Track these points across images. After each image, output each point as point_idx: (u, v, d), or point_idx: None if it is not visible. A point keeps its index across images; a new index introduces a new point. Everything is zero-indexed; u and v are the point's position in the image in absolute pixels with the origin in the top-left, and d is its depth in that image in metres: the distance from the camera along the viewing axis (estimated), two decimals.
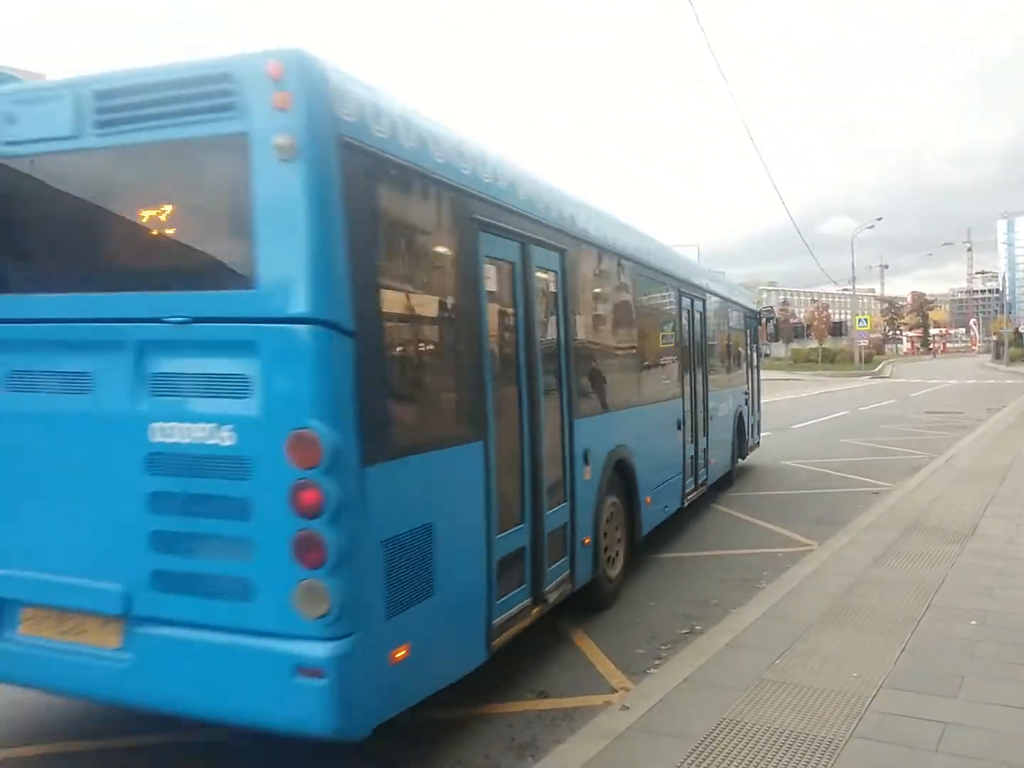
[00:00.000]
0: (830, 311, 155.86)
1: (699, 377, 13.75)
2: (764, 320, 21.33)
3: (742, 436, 17.64)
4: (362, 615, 5.14)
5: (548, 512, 7.60)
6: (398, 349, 5.71)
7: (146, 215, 5.38)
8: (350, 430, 5.07)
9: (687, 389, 12.83)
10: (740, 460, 17.75)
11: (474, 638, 6.43)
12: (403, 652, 5.47)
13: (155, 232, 5.34)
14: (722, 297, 16.34)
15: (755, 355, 20.01)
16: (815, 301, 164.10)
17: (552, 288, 7.99)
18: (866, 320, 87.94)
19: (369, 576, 5.21)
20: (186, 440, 5.19)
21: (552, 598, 7.71)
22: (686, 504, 12.65)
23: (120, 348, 5.35)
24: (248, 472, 5.07)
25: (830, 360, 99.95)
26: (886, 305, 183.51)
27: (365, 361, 5.19)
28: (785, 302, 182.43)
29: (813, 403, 40.00)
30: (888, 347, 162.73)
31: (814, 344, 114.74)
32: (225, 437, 5.12)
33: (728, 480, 16.56)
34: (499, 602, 6.78)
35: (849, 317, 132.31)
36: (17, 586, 5.67)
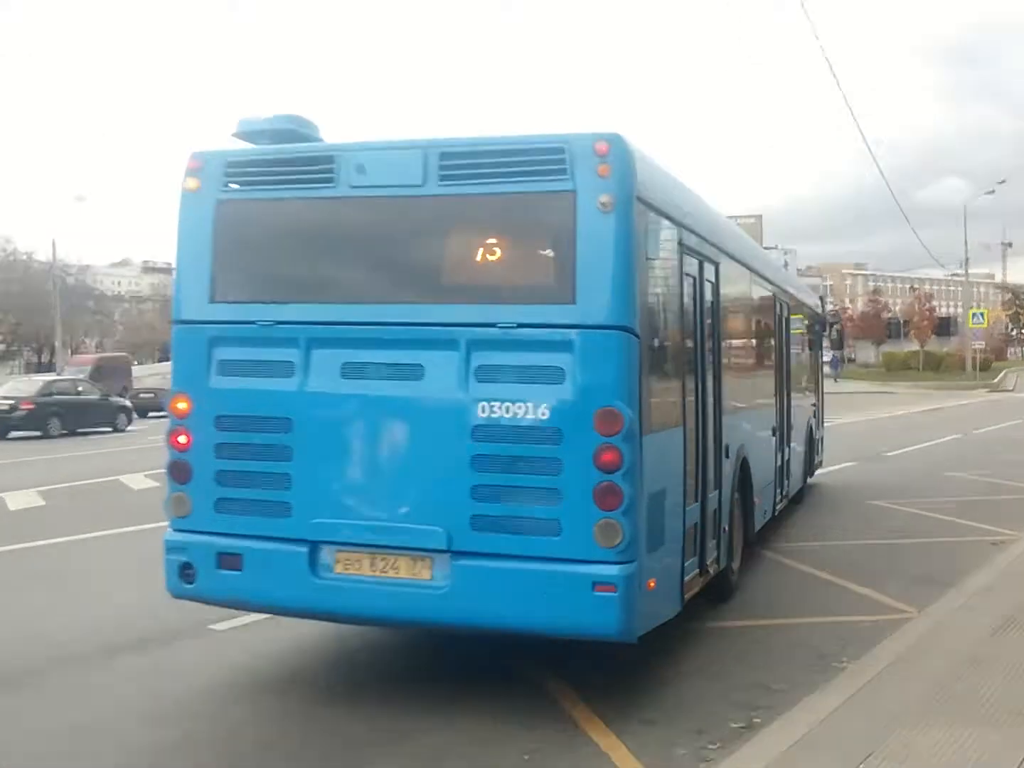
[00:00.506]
0: (935, 303, 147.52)
1: (784, 384, 17.50)
2: (829, 325, 24.66)
3: (812, 451, 21.00)
4: (637, 548, 8.60)
5: (709, 495, 11.26)
6: (656, 350, 9.40)
7: (479, 245, 8.98)
8: (636, 408, 8.60)
9: (778, 396, 16.93)
10: (809, 478, 21.03)
11: (676, 589, 9.98)
12: (652, 583, 8.99)
13: (488, 259, 8.95)
14: (797, 299, 19.64)
15: (819, 363, 23.74)
16: (915, 289, 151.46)
17: (714, 298, 11.92)
18: (982, 315, 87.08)
19: (640, 520, 8.66)
20: (508, 415, 8.62)
21: (711, 571, 11.41)
22: (776, 513, 16.35)
23: (452, 346, 8.79)
24: (560, 439, 8.51)
25: (934, 367, 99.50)
26: (1009, 296, 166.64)
27: (643, 358, 8.78)
28: (876, 290, 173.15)
29: (912, 424, 40.14)
30: (1011, 351, 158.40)
31: (913, 346, 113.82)
32: (542, 413, 8.56)
33: (799, 498, 19.54)
34: (686, 563, 10.31)
35: (960, 311, 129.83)
36: (335, 531, 8.98)
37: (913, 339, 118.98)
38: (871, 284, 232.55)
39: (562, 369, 8.59)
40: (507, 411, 8.69)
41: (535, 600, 8.53)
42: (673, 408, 10.03)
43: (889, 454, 28.31)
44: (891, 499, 20.27)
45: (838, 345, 23.67)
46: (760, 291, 15.78)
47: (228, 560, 9.27)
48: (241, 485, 9.29)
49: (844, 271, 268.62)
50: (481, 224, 9.11)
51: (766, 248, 32.40)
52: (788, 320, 18.43)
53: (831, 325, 24.38)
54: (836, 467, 25.12)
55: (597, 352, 8.56)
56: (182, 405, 9.52)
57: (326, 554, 9.07)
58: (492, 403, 8.70)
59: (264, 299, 9.43)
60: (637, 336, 8.66)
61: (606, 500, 8.49)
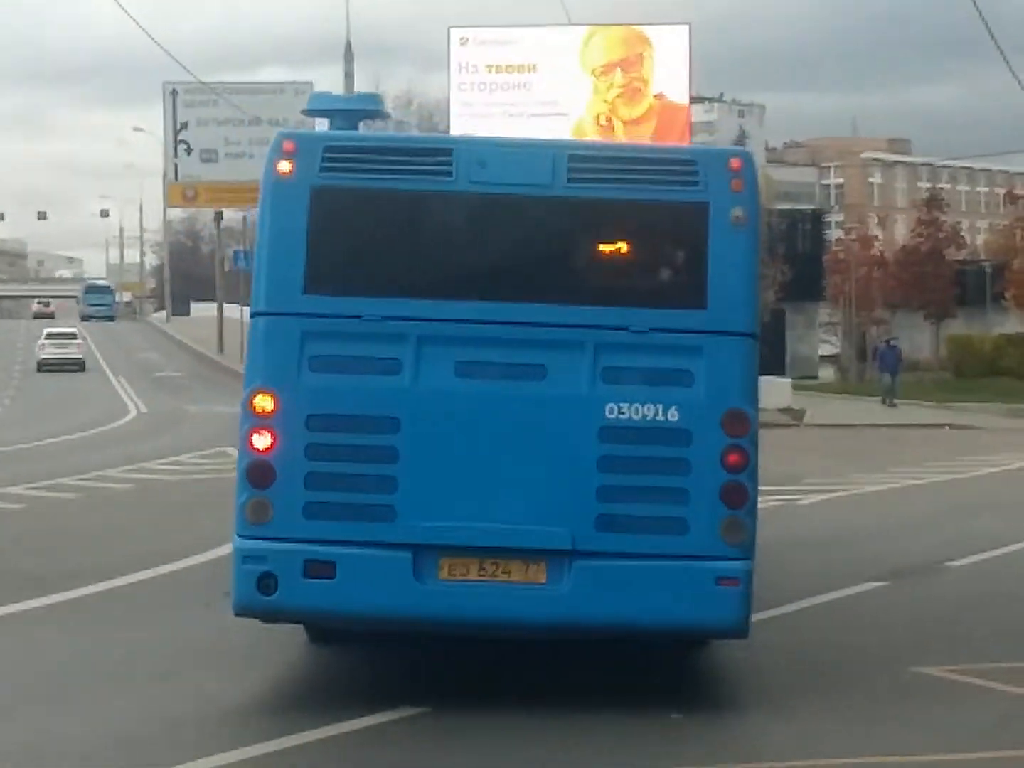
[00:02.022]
0: None
1: None
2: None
3: None
4: (753, 544, 9.15)
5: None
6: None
7: (606, 248, 9.39)
8: (757, 410, 9.19)
9: None
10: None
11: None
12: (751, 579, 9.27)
13: (616, 263, 9.38)
14: None
15: None
16: (1016, 199, 66.83)
17: None
18: None
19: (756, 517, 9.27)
20: (637, 416, 8.90)
21: None
22: None
23: (579, 347, 9.00)
24: (690, 440, 8.90)
25: None
26: None
27: (758, 361, 9.31)
28: (932, 199, 71.81)
29: (1011, 498, 23.06)
30: None
31: (1010, 323, 64.16)
32: (671, 415, 8.90)
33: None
34: None
35: None
36: (444, 535, 8.88)
37: (1010, 306, 62.35)
38: (924, 184, 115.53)
39: (691, 372, 8.97)
40: (636, 413, 8.93)
41: (657, 598, 8.82)
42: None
43: (956, 564, 16.41)
44: (952, 664, 10.84)
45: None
46: None
47: (318, 568, 8.84)
48: (336, 488, 8.93)
49: (866, 153, 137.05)
50: (608, 228, 9.37)
51: (705, 99, 29.61)
52: None
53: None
54: (845, 591, 14.13)
55: (727, 356, 9.01)
56: (265, 403, 8.96)
57: (432, 559, 8.96)
58: (620, 405, 8.94)
59: (369, 293, 9.13)
60: (758, 340, 9.25)
61: (733, 499, 8.91)
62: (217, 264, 79.65)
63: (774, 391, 39.90)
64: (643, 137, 45.09)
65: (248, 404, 9.00)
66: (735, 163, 9.10)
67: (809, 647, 11.70)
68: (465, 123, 44.28)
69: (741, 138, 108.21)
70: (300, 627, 10.46)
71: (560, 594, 8.92)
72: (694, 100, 56.90)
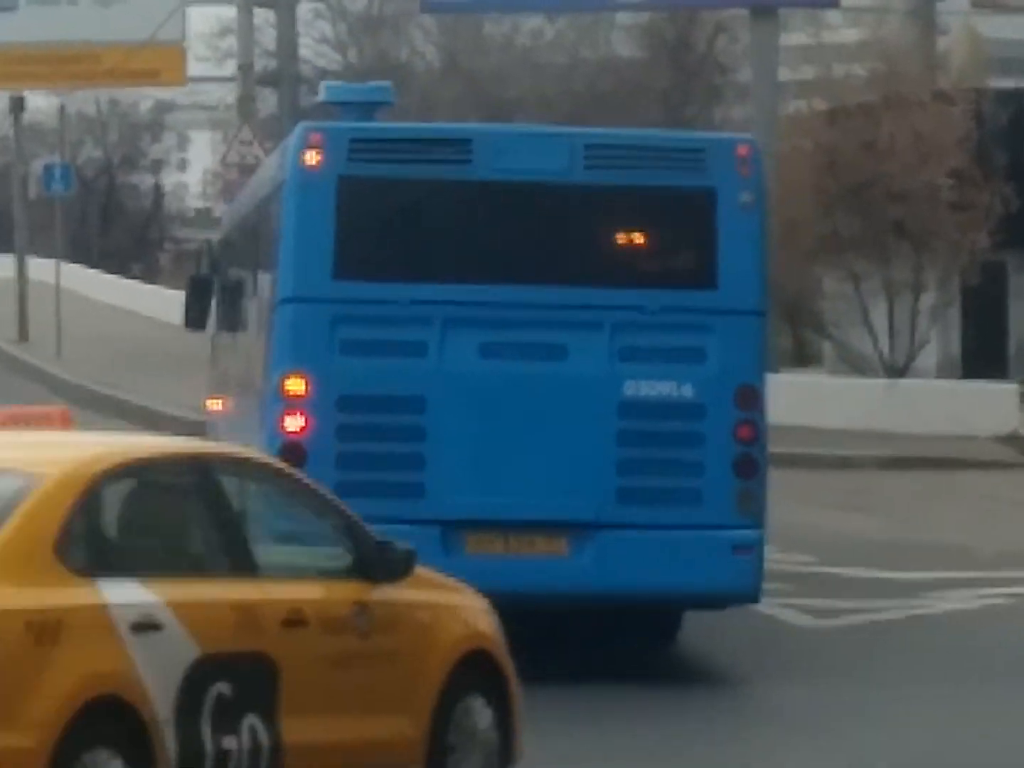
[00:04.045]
0: None
1: None
2: None
3: None
4: (763, 513, 10.04)
5: None
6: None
7: (623, 232, 10.20)
8: (765, 384, 10.10)
9: None
10: None
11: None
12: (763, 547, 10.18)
13: (631, 246, 10.20)
14: None
15: None
16: None
17: None
18: None
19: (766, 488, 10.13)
20: (654, 393, 9.74)
21: None
22: None
23: (597, 327, 9.78)
24: (703, 414, 9.77)
25: None
26: None
27: (767, 337, 10.10)
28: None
29: None
30: None
31: None
32: (686, 390, 9.72)
33: None
34: None
35: None
36: (472, 510, 9.65)
37: None
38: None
39: (704, 349, 9.80)
40: (652, 389, 9.74)
41: (676, 567, 9.61)
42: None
43: None
44: None
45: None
46: None
47: None
48: (367, 467, 9.55)
49: None
50: (625, 213, 10.23)
51: None
52: None
53: None
54: None
55: (738, 334, 9.85)
56: (297, 386, 9.54)
57: (459, 533, 9.68)
58: (638, 381, 9.75)
59: (396, 278, 9.78)
60: (766, 317, 10.32)
61: (745, 470, 9.77)
62: (16, 188, 45.85)
63: (987, 405, 25.44)
64: None
65: (279, 387, 9.63)
66: (742, 150, 10.04)
67: None
68: None
69: None
70: None
71: (582, 565, 9.76)
72: None
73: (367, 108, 10.79)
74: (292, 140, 10.21)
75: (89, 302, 48.58)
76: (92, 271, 55.94)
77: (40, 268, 44.36)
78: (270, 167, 11.62)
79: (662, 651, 11.06)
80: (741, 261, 9.86)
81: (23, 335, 42.13)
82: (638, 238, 10.22)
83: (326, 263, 9.73)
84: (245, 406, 11.88)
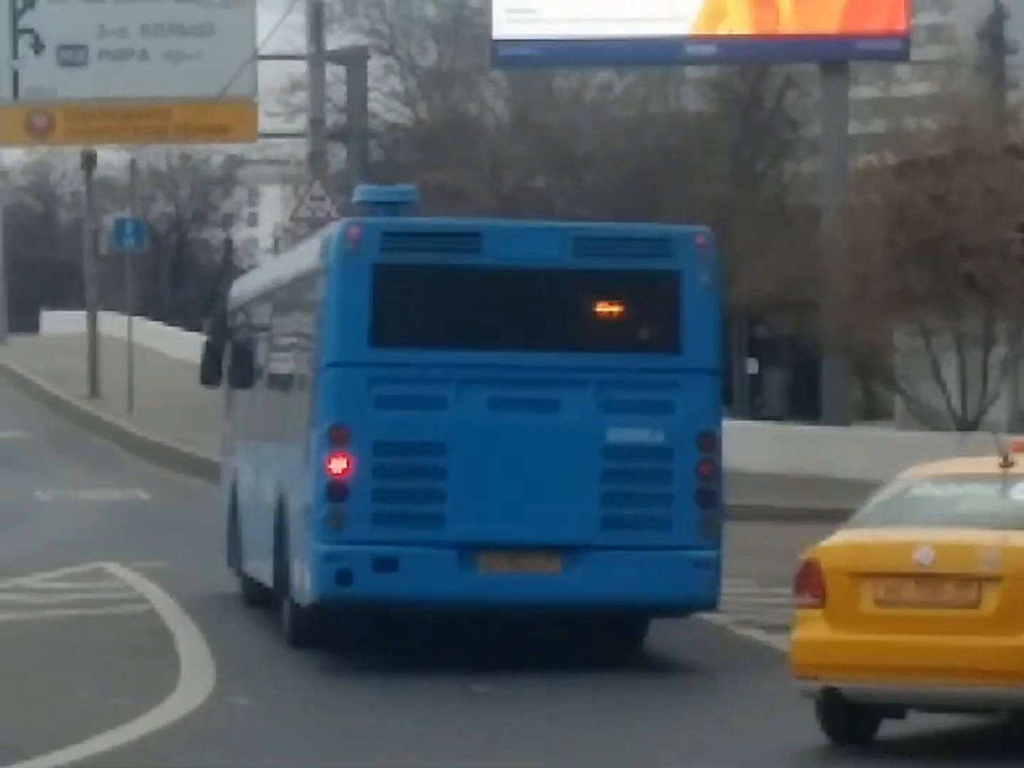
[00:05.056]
0: None
1: None
2: None
3: None
4: (721, 536, 12.07)
5: None
6: None
7: (605, 307, 12.35)
8: (721, 430, 12.33)
9: None
10: None
11: None
12: (721, 564, 12.20)
13: (612, 318, 12.41)
14: None
15: None
16: None
17: None
18: None
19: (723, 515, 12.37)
20: (631, 438, 11.86)
21: None
22: None
23: (585, 384, 11.94)
24: (672, 455, 11.83)
25: None
26: None
27: (721, 390, 12.67)
28: None
29: None
30: None
31: None
32: (657, 436, 11.84)
33: None
34: None
35: None
36: (483, 535, 11.66)
37: None
38: None
39: (672, 402, 11.95)
40: (630, 435, 11.87)
41: (649, 581, 11.64)
42: None
43: None
44: None
45: None
46: None
47: (384, 564, 11.56)
48: (397, 501, 11.71)
49: None
50: (607, 291, 12.36)
51: None
52: None
53: None
54: None
55: (698, 389, 12.06)
56: (341, 435, 11.69)
57: (473, 555, 11.73)
58: (619, 429, 11.86)
59: (420, 346, 12.02)
60: (719, 375, 12.67)
61: (705, 501, 11.85)
62: (87, 243, 46.31)
63: None
64: (829, 7, 36.04)
65: (326, 436, 11.68)
66: (700, 239, 12.35)
67: None
68: None
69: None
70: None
71: (573, 580, 11.80)
72: None
73: (394, 207, 12.87)
74: (335, 233, 12.33)
75: (160, 356, 49.33)
76: (163, 326, 57.09)
77: (111, 323, 46.01)
78: (307, 253, 13.78)
79: (630, 654, 12.76)
80: (700, 329, 12.05)
81: (93, 389, 43.43)
82: (617, 311, 12.34)
83: (363, 334, 11.81)
84: (280, 452, 13.97)
